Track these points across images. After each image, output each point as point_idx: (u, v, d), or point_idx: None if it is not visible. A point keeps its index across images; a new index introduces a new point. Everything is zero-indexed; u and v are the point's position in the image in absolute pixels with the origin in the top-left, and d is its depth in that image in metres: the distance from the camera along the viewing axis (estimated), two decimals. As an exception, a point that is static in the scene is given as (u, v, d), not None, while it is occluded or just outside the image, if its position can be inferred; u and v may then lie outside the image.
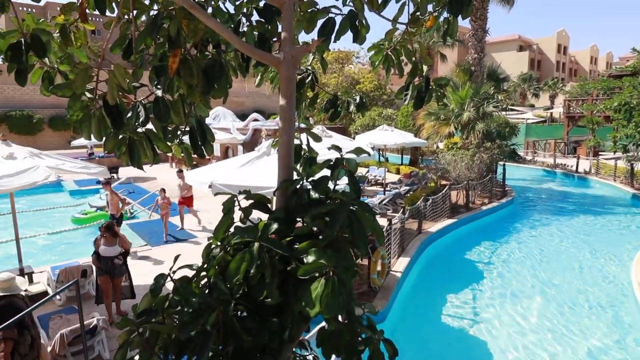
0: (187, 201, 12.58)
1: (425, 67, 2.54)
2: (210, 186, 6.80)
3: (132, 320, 1.79)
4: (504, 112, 20.39)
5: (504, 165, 18.59)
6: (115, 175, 20.96)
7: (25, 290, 5.01)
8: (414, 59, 2.59)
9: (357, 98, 3.06)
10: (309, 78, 3.16)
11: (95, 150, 27.07)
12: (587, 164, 25.57)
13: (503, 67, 29.97)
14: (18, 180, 6.23)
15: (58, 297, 7.43)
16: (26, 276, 7.49)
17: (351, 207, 1.80)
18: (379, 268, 8.36)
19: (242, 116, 31.35)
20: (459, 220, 13.90)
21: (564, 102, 34.36)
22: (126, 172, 22.51)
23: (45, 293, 6.89)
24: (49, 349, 5.23)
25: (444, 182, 16.33)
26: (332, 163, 2.00)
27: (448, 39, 2.65)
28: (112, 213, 10.42)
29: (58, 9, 2.42)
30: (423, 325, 8.13)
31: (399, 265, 9.65)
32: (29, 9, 42.10)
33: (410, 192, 15.77)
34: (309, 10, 2.76)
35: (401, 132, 18.39)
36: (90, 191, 18.77)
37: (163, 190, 11.83)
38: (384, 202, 14.42)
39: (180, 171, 12.78)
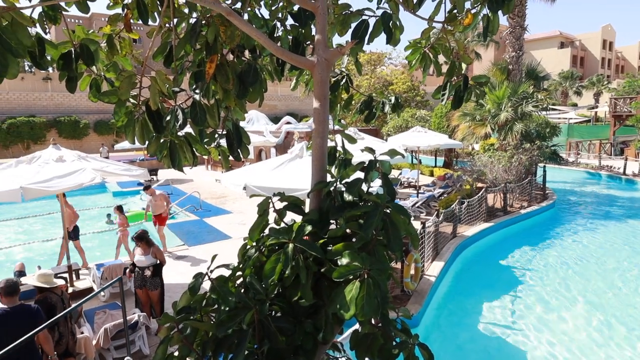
0: (159, 220, 10.83)
1: (464, 66, 2.49)
2: (244, 188, 6.94)
3: (172, 316, 1.86)
4: (544, 112, 19.53)
5: (544, 167, 17.84)
6: (154, 177, 21.76)
7: (73, 286, 5.27)
8: (451, 57, 2.54)
9: (392, 98, 3.04)
10: (344, 80, 3.17)
11: (136, 153, 28.27)
12: (636, 166, 24.10)
13: (543, 65, 28.80)
14: (66, 182, 6.59)
15: (102, 293, 7.79)
16: (74, 272, 7.91)
17: (385, 210, 1.79)
18: (412, 272, 8.23)
19: (275, 119, 31.80)
20: (496, 224, 13.46)
21: (609, 101, 32.56)
22: (165, 174, 23.35)
23: (90, 289, 7.24)
24: (94, 342, 5.50)
25: (480, 185, 15.87)
26: (365, 165, 1.99)
27: (484, 37, 2.58)
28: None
29: (103, 19, 2.56)
30: (458, 332, 7.92)
31: (433, 269, 9.46)
32: (77, 20, 44.52)
33: (445, 195, 15.44)
34: (342, 13, 2.78)
35: (435, 134, 18.03)
36: (131, 192, 19.59)
37: (118, 208, 10.22)
38: (416, 205, 14.19)
39: (147, 188, 10.98)
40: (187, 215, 14.93)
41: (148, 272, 6.51)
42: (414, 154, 25.22)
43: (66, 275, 7.60)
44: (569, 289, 9.61)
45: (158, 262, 6.62)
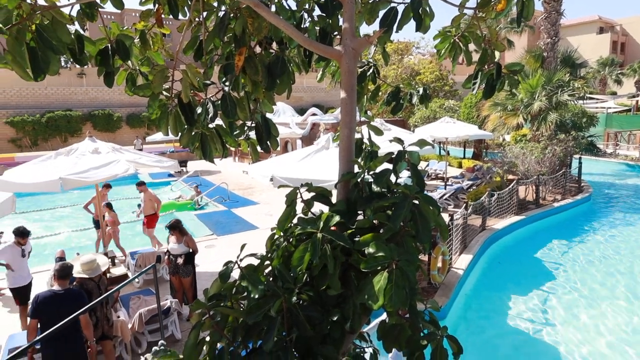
0: (149, 220, 10.20)
1: (496, 53, 2.42)
2: (271, 179, 7.02)
3: (203, 303, 1.92)
4: (580, 101, 18.68)
5: (579, 158, 17.13)
6: (184, 168, 22.31)
7: (108, 272, 5.50)
8: (483, 45, 2.48)
9: (420, 89, 2.99)
10: (370, 71, 3.15)
11: (166, 145, 29.03)
12: (681, 157, 22.80)
13: (580, 51, 27.53)
14: (102, 173, 6.87)
15: (137, 280, 8.11)
16: (110, 260, 8.25)
17: (414, 201, 1.78)
18: (439, 264, 8.14)
19: (301, 111, 31.87)
20: (527, 217, 13.09)
21: (652, 89, 30.81)
22: (194, 166, 23.89)
23: (125, 275, 7.53)
24: (129, 325, 5.75)
25: (510, 177, 15.43)
26: (393, 156, 1.98)
27: (518, 23, 2.49)
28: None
29: (134, 14, 2.62)
30: (486, 325, 7.80)
31: (461, 262, 9.32)
32: (109, 17, 45.84)
33: (473, 187, 15.11)
34: (370, 1, 2.75)
35: (464, 124, 17.61)
36: (163, 183, 20.17)
37: (108, 205, 9.73)
38: (444, 197, 13.97)
39: (141, 184, 10.16)
40: (215, 206, 15.26)
41: (180, 260, 6.69)
42: (442, 145, 24.77)
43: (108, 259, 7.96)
44: (602, 285, 9.27)
45: (190, 250, 6.79)
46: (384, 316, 2.06)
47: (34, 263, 8.79)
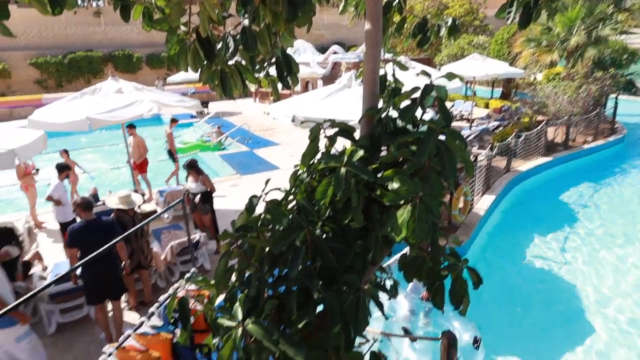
0: (139, 167, 9.79)
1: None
2: (293, 120, 6.98)
3: (231, 233, 2.01)
4: (622, 36, 17.27)
5: (616, 98, 16.19)
6: (205, 109, 22.32)
7: (139, 207, 5.79)
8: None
9: (449, 20, 2.82)
10: (396, 1, 2.97)
11: (187, 86, 28.93)
12: None
13: (629, -22, 24.89)
14: (127, 112, 6.97)
15: (166, 215, 8.50)
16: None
17: (440, 136, 1.75)
18: (461, 205, 8.16)
19: (322, 49, 30.72)
20: (554, 159, 12.74)
21: None
22: (215, 107, 23.86)
23: (155, 211, 7.88)
24: (162, 257, 6.13)
25: (539, 118, 14.83)
26: (419, 90, 1.92)
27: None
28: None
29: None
30: (505, 265, 7.95)
31: (483, 203, 9.32)
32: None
33: (500, 129, 14.66)
34: None
35: (494, 61, 16.69)
36: (186, 125, 20.35)
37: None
38: (469, 139, 13.65)
39: (131, 127, 9.36)
40: (238, 147, 15.44)
41: (197, 199, 6.90)
42: (468, 85, 23.75)
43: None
44: (626, 229, 9.15)
45: (208, 190, 6.96)
46: (405, 250, 2.12)
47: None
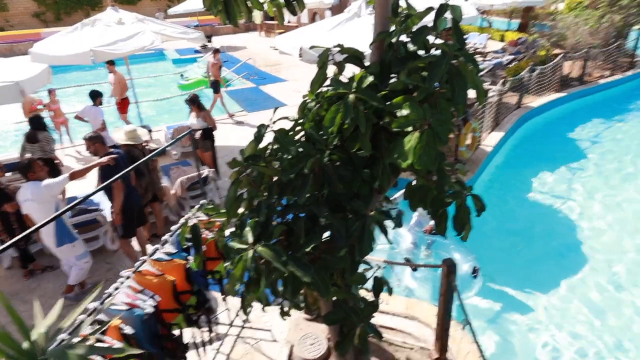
0: (121, 105, 9.44)
1: None
2: (300, 55, 6.72)
3: (240, 162, 2.03)
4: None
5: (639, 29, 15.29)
6: (209, 44, 21.56)
7: (146, 142, 5.84)
8: None
9: None
10: None
11: (190, 19, 27.65)
12: None
13: None
14: (130, 45, 6.75)
15: (174, 151, 8.58)
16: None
17: (453, 60, 1.69)
18: (468, 141, 8.09)
19: (330, -24, 28.77)
20: (568, 94, 12.34)
21: None
22: (219, 41, 23.02)
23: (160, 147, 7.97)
24: (172, 192, 6.28)
25: (556, 52, 14.14)
26: (433, 10, 1.82)
27: None
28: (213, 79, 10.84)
29: None
30: (508, 200, 8.05)
31: (491, 139, 9.23)
32: None
33: (514, 62, 14.07)
34: None
35: (514, -11, 15.58)
36: (190, 60, 19.80)
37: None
38: (481, 74, 13.18)
39: (111, 63, 8.84)
40: (243, 83, 15.11)
41: (198, 135, 6.88)
42: (484, 15, 22.42)
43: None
44: (637, 168, 9.08)
45: (209, 126, 6.92)
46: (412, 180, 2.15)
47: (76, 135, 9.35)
